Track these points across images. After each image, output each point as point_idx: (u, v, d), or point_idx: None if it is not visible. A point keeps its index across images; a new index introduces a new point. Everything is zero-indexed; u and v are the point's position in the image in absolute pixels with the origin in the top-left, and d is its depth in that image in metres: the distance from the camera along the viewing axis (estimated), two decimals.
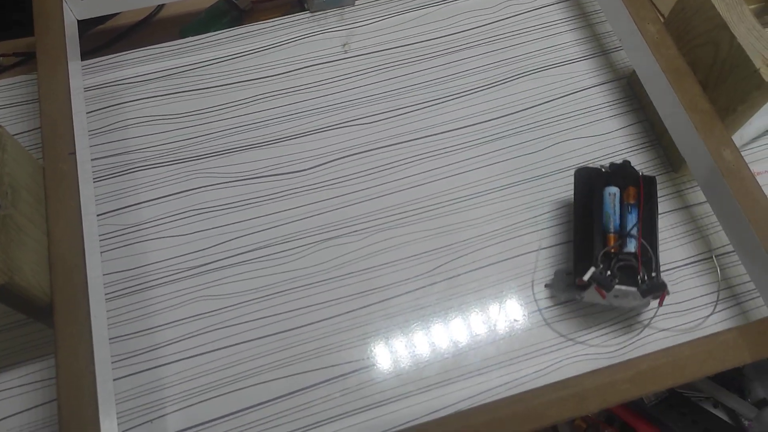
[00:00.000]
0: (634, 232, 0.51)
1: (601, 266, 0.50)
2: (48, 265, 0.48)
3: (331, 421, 0.50)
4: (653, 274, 0.49)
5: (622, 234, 0.51)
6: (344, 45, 0.67)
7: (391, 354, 0.53)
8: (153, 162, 0.61)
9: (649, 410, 0.75)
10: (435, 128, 0.63)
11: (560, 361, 0.53)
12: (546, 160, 0.62)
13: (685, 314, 0.55)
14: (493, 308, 0.55)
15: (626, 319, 0.54)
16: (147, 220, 0.58)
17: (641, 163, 0.62)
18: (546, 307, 0.55)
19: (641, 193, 0.53)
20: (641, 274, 0.49)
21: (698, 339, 0.47)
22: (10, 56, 0.65)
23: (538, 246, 0.58)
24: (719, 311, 0.55)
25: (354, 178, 0.60)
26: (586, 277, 0.49)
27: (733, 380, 0.76)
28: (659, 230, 0.53)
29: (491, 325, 0.54)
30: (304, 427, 0.50)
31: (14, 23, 0.66)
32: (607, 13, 0.65)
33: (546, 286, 0.55)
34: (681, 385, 0.77)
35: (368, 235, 0.58)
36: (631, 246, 0.50)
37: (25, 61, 0.65)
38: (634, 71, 0.63)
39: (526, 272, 0.57)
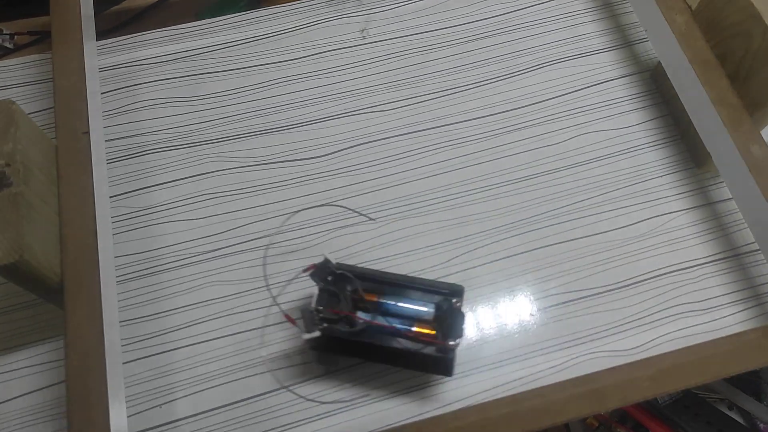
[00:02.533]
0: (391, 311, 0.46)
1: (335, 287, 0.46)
2: (59, 245, 0.47)
3: (344, 411, 0.50)
4: (323, 326, 0.45)
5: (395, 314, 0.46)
6: (362, 30, 0.66)
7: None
8: (167, 145, 0.60)
9: (662, 410, 0.74)
10: (453, 117, 0.62)
11: (576, 357, 0.52)
12: (565, 153, 0.61)
13: (705, 313, 0.53)
14: (509, 301, 0.54)
15: (644, 317, 0.53)
16: (160, 203, 0.57)
17: (663, 158, 0.61)
18: (563, 302, 0.54)
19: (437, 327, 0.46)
20: (318, 314, 0.45)
21: (722, 338, 0.46)
22: (25, 35, 0.64)
23: (555, 240, 0.56)
24: (741, 311, 0.53)
25: (370, 165, 0.59)
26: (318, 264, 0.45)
27: (749, 383, 0.75)
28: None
29: (507, 318, 0.53)
30: (315, 416, 0.49)
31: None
32: (634, 2, 0.63)
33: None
34: (696, 386, 0.76)
35: (383, 224, 0.57)
36: (380, 319, 0.45)
37: (40, 40, 0.65)
38: (658, 63, 0.61)
39: (544, 266, 0.55)
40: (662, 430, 0.73)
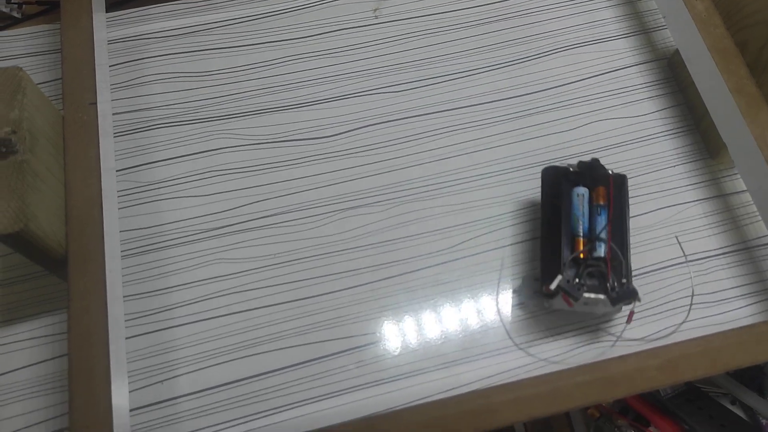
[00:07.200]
0: (604, 235, 0.48)
1: (569, 273, 0.47)
2: (64, 216, 0.47)
3: (345, 393, 0.49)
4: (623, 281, 0.47)
5: (591, 238, 0.48)
6: (375, 10, 0.65)
7: (409, 328, 0.52)
8: (175, 120, 0.59)
9: (664, 403, 0.73)
10: (464, 101, 0.61)
11: (584, 345, 0.51)
12: (577, 140, 0.60)
13: (716, 305, 0.53)
14: (516, 288, 0.53)
15: (653, 308, 0.53)
16: (166, 178, 0.57)
17: (677, 147, 0.60)
18: None
19: (611, 192, 0.49)
20: (611, 280, 0.46)
21: (732, 330, 0.45)
22: (34, 4, 0.63)
23: None
24: (752, 303, 0.53)
25: (379, 147, 0.59)
26: (552, 286, 0.46)
27: (752, 378, 0.74)
28: (630, 233, 0.49)
29: (513, 304, 0.53)
30: (317, 397, 0.49)
31: None
32: None
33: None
34: (699, 380, 0.75)
35: (391, 207, 0.56)
36: (601, 250, 0.47)
37: (49, 10, 0.64)
38: (676, 51, 0.60)
39: None
40: (664, 423, 0.72)
